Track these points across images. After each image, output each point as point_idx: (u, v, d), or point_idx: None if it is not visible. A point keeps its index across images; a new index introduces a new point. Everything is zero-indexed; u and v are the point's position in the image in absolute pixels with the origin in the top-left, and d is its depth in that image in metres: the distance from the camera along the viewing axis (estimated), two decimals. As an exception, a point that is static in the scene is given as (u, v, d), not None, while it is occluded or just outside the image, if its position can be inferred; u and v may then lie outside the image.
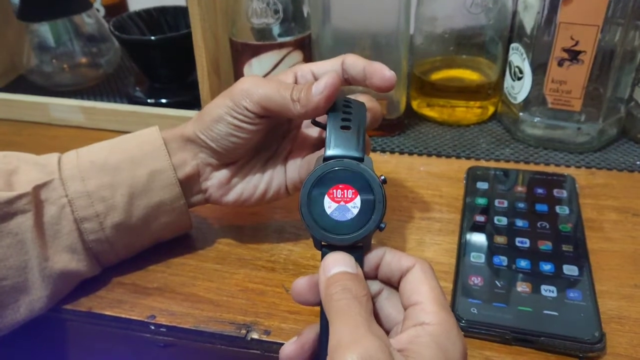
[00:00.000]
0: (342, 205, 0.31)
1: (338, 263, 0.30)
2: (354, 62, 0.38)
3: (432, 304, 0.28)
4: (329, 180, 0.31)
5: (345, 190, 0.31)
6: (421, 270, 0.30)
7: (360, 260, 0.31)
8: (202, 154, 0.41)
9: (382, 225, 0.31)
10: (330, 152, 0.32)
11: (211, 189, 0.42)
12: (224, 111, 0.38)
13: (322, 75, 0.37)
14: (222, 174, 0.41)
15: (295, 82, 0.39)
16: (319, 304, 0.31)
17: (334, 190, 0.31)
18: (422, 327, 0.28)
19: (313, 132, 0.43)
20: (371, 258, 0.32)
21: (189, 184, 0.42)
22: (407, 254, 0.31)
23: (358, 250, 0.31)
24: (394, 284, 0.32)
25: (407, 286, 0.30)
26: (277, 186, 0.42)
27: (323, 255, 0.31)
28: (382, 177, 0.32)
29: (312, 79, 0.39)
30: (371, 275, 0.32)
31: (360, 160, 0.32)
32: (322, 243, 0.32)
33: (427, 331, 0.27)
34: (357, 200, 0.31)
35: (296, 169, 0.42)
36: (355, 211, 0.31)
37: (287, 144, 0.43)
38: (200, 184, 0.42)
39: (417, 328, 0.28)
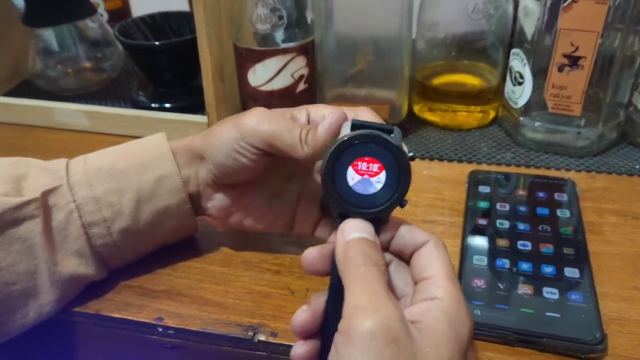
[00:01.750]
0: (365, 178, 0.30)
1: (358, 229, 0.30)
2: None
3: (445, 279, 0.29)
4: (355, 150, 0.30)
5: (371, 164, 0.30)
6: (435, 246, 0.30)
7: (377, 233, 0.31)
8: (204, 172, 0.40)
9: (404, 202, 0.30)
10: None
11: (212, 210, 0.42)
12: (228, 141, 0.37)
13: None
14: (222, 198, 0.41)
15: (308, 121, 0.38)
16: (329, 274, 0.31)
17: (359, 162, 0.30)
18: (434, 301, 0.28)
19: None
20: (387, 229, 0.31)
21: (192, 201, 0.42)
22: (422, 229, 0.31)
23: (376, 222, 0.31)
24: (404, 257, 0.32)
25: (419, 260, 0.30)
26: (283, 226, 0.42)
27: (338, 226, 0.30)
28: (411, 154, 0.30)
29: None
30: (383, 247, 0.32)
31: (389, 131, 0.30)
32: (339, 212, 0.31)
33: (438, 305, 0.27)
34: (382, 176, 0.30)
35: (310, 224, 0.41)
36: (379, 186, 0.30)
37: (296, 187, 0.41)
38: (202, 203, 0.42)
39: (429, 302, 0.28)
